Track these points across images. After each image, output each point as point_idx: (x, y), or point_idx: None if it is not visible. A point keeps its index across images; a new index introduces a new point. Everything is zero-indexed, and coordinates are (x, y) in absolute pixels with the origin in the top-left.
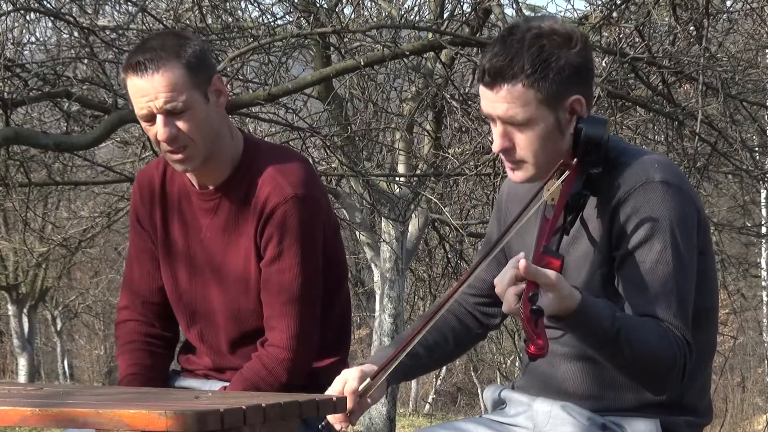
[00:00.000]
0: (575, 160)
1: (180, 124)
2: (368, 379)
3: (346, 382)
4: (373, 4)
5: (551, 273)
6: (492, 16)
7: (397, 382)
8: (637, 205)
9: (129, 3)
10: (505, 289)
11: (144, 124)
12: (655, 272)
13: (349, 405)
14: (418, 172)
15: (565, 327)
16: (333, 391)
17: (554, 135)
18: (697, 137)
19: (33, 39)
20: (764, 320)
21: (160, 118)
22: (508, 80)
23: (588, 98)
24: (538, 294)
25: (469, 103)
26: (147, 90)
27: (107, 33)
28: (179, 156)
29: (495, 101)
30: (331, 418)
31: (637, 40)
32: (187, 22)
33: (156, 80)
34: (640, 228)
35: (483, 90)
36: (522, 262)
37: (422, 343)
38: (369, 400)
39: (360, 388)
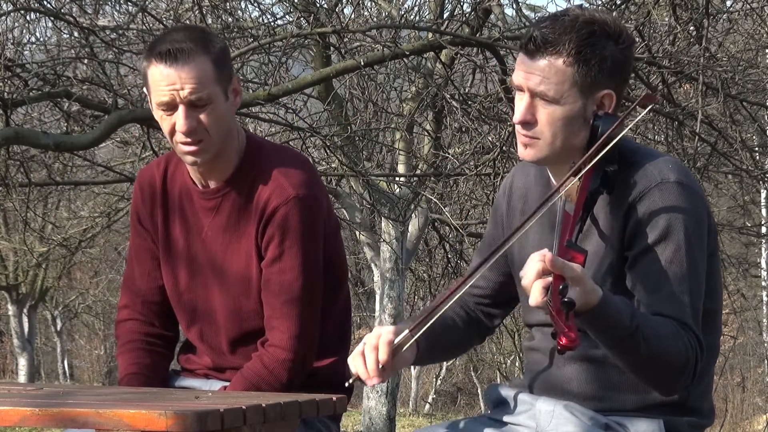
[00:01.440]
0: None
1: (201, 116)
2: (406, 331)
3: (380, 336)
4: (373, 4)
5: (577, 267)
6: (492, 16)
7: (422, 358)
8: (652, 204)
9: (129, 3)
10: (532, 281)
11: (160, 113)
12: (669, 272)
13: (384, 357)
14: (418, 172)
15: (584, 322)
16: (368, 344)
17: (576, 121)
18: (697, 137)
19: (33, 39)
20: (764, 320)
21: (182, 109)
22: (552, 53)
23: (619, 97)
24: (568, 287)
25: (469, 103)
26: (173, 78)
27: (107, 33)
28: (194, 148)
29: (531, 71)
30: (363, 374)
31: (637, 40)
32: (187, 22)
33: (185, 70)
34: (655, 228)
35: (522, 58)
36: (548, 255)
37: (440, 324)
38: (399, 359)
39: (396, 341)
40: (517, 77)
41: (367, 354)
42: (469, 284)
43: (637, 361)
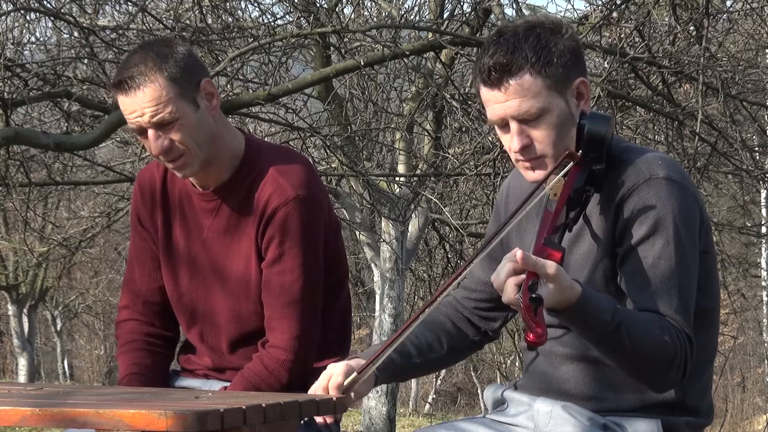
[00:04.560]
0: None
1: (171, 134)
2: (354, 374)
3: (331, 377)
4: (373, 4)
5: (550, 264)
6: (492, 16)
7: (387, 381)
8: (641, 200)
9: (129, 3)
10: (504, 281)
11: (139, 138)
12: (658, 268)
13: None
14: (418, 172)
15: (565, 320)
16: (319, 385)
17: (568, 122)
18: (697, 137)
19: (33, 39)
20: (764, 320)
21: (150, 132)
22: (515, 73)
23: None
24: (538, 283)
25: (469, 103)
26: (133, 107)
27: (107, 33)
28: (176, 164)
29: (505, 100)
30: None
31: (637, 40)
32: (187, 22)
33: (139, 97)
34: (643, 223)
35: (489, 92)
36: (520, 253)
37: (415, 343)
38: (353, 395)
39: (345, 383)
40: (494, 113)
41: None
42: (427, 313)
43: (622, 357)
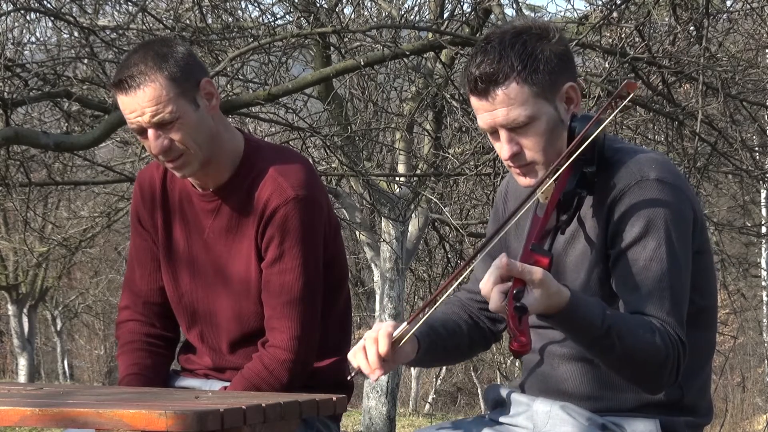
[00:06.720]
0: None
1: (171, 134)
2: (405, 324)
3: (380, 329)
4: (373, 4)
5: (536, 270)
6: (492, 16)
7: (423, 355)
8: (632, 202)
9: (129, 3)
10: (490, 288)
11: (139, 138)
12: (649, 270)
13: (384, 349)
14: (418, 172)
15: (555, 324)
16: (368, 338)
17: (557, 128)
18: (697, 137)
19: (33, 39)
20: (764, 320)
21: (150, 132)
22: (501, 82)
23: (578, 84)
24: (524, 291)
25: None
26: (133, 106)
27: (107, 33)
28: (176, 164)
29: (493, 108)
30: (365, 368)
31: (637, 40)
32: (187, 22)
33: (139, 96)
34: (635, 226)
35: (477, 102)
36: (504, 260)
37: (443, 325)
38: (400, 353)
39: (395, 333)
40: (484, 122)
41: (368, 347)
42: (460, 279)
43: (613, 361)
